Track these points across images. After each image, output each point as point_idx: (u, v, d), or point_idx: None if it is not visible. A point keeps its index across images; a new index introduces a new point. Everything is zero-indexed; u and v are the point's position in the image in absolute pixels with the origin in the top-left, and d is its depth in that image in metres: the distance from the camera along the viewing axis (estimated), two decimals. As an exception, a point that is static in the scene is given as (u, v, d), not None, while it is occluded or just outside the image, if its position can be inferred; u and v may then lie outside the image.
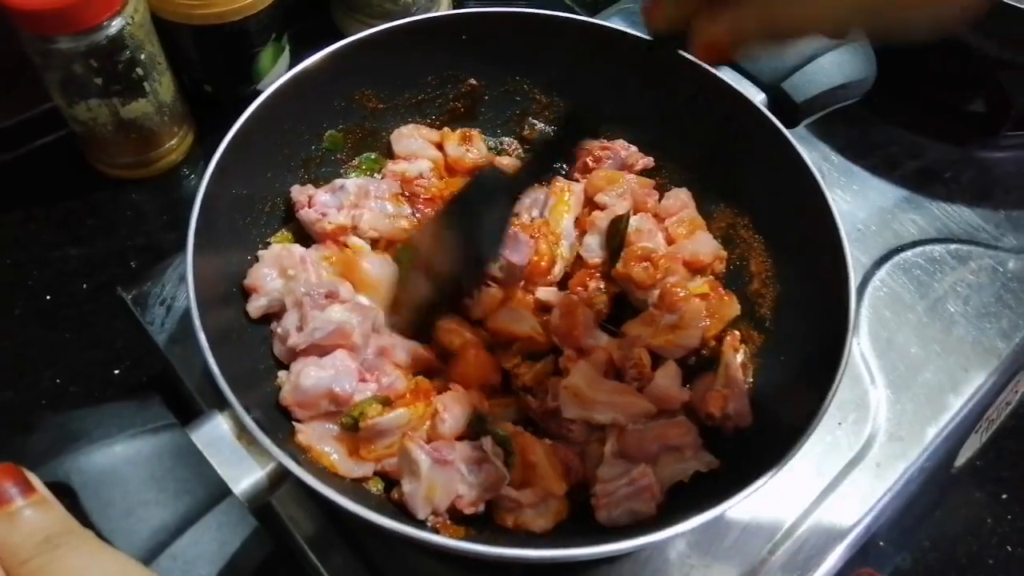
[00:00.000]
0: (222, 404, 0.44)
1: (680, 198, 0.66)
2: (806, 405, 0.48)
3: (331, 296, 0.54)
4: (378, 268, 0.58)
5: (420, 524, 0.49)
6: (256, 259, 0.58)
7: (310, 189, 0.61)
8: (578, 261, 0.64)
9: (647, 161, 0.68)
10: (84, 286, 0.69)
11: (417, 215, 0.63)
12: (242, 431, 0.44)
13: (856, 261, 0.70)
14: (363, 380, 0.53)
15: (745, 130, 0.62)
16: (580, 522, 0.52)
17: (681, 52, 0.61)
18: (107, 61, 0.63)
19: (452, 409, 0.52)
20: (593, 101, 0.70)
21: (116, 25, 0.61)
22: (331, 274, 0.57)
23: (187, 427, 0.43)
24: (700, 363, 0.60)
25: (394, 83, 0.67)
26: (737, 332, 0.59)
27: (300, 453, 0.49)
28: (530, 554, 0.44)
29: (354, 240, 0.60)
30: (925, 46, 0.80)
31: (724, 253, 0.64)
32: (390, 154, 0.69)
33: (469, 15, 0.65)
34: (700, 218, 0.65)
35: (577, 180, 0.68)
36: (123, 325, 0.64)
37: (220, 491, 0.41)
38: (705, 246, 0.63)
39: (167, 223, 0.72)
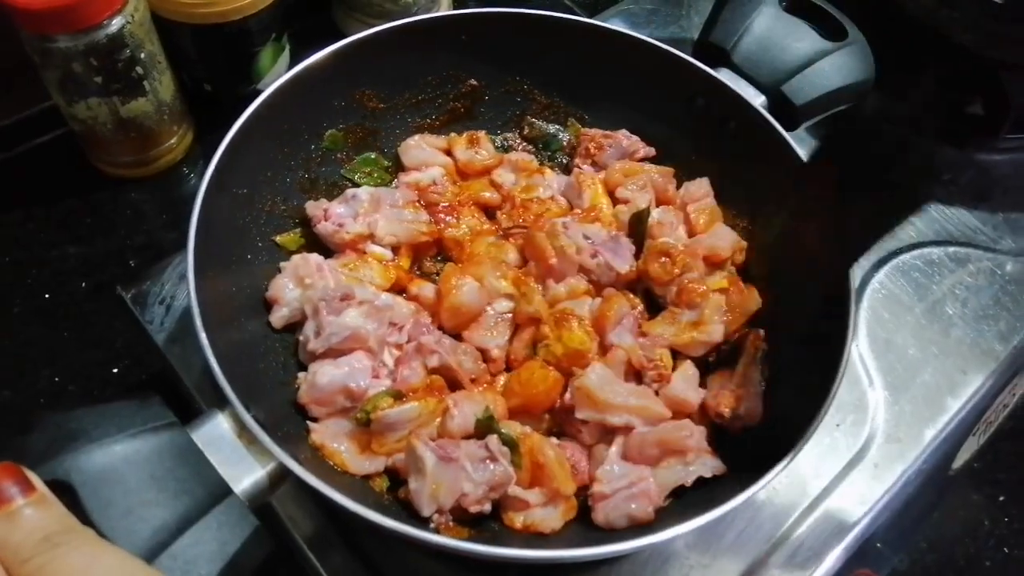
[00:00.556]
0: (222, 403, 0.44)
1: (703, 186, 0.65)
2: (806, 407, 0.48)
3: (346, 298, 0.54)
4: (472, 296, 0.57)
5: (421, 524, 0.49)
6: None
7: (324, 203, 0.62)
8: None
9: (648, 150, 0.68)
10: (83, 285, 0.69)
11: (439, 224, 0.63)
12: (242, 430, 0.44)
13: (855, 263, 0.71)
14: (376, 377, 0.53)
15: (745, 132, 0.63)
16: (579, 522, 0.52)
17: (681, 54, 0.61)
18: (107, 60, 0.63)
19: (463, 407, 0.52)
20: (593, 101, 0.71)
21: (116, 24, 0.61)
22: (349, 278, 0.57)
23: (187, 426, 0.43)
24: (719, 358, 0.59)
25: (394, 83, 0.67)
26: (761, 330, 0.57)
27: (312, 453, 0.50)
28: (530, 554, 0.44)
29: (373, 248, 0.61)
30: (924, 48, 0.80)
31: (744, 243, 0.63)
32: (396, 164, 0.68)
33: (469, 15, 0.66)
34: (719, 209, 0.65)
35: (580, 168, 0.68)
36: (122, 324, 0.64)
37: (220, 490, 0.41)
38: (723, 239, 0.62)
39: (167, 222, 0.72)
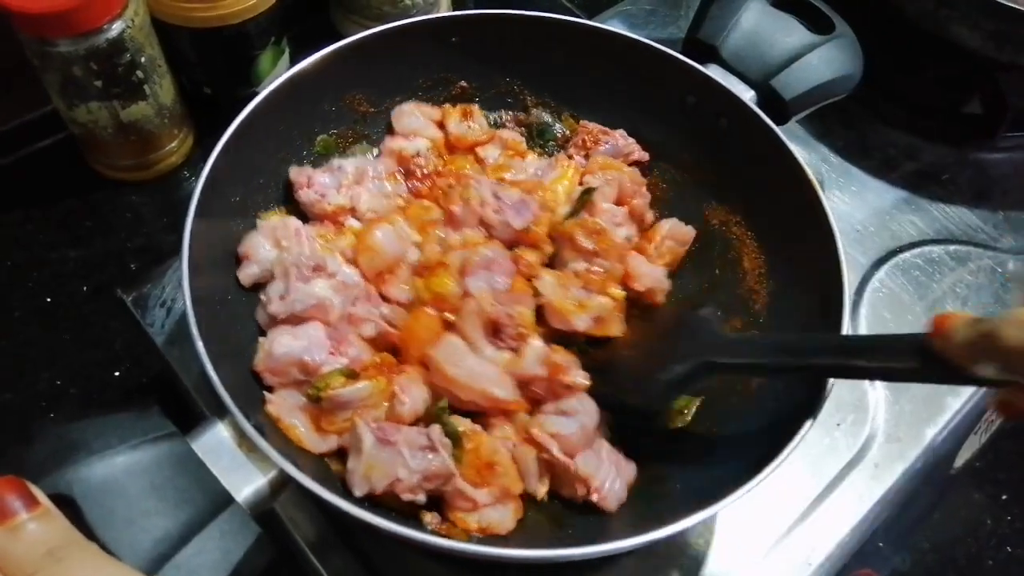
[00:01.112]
0: (221, 410, 0.44)
1: (687, 235, 0.64)
2: (803, 400, 0.48)
3: (318, 269, 0.54)
4: (388, 239, 0.58)
5: (421, 527, 0.49)
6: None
7: (308, 170, 0.62)
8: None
9: (642, 155, 0.68)
10: (83, 288, 0.69)
11: (411, 190, 0.64)
12: (242, 438, 0.44)
13: (855, 262, 0.71)
14: (333, 353, 0.53)
15: (735, 127, 0.63)
16: (579, 521, 0.52)
17: (669, 51, 0.61)
18: (107, 64, 0.63)
19: (410, 391, 0.52)
20: (584, 101, 0.71)
21: (116, 28, 0.62)
22: (324, 248, 0.57)
23: (188, 436, 0.43)
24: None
25: (385, 86, 0.67)
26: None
27: (269, 424, 0.49)
28: (530, 554, 0.44)
29: (352, 223, 0.61)
30: (922, 49, 0.81)
31: (665, 290, 0.62)
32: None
33: (460, 17, 0.65)
34: (679, 254, 0.64)
35: (571, 156, 0.68)
36: (122, 326, 0.64)
37: (222, 499, 0.41)
38: (654, 279, 0.61)
39: (167, 225, 0.72)
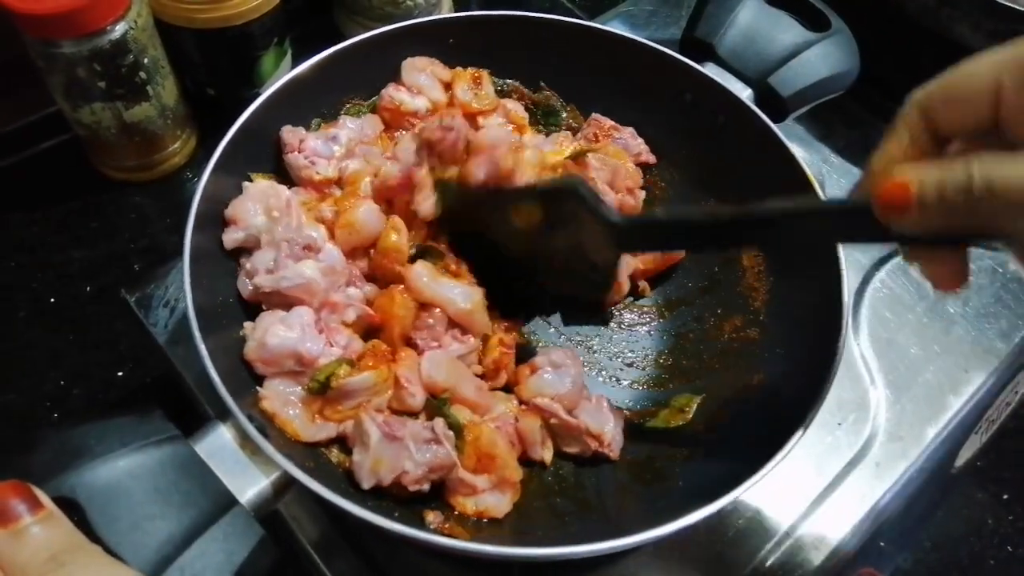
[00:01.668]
0: (223, 413, 0.44)
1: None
2: (803, 398, 0.48)
3: (309, 248, 0.54)
4: (370, 217, 0.57)
5: (424, 527, 0.49)
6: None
7: (301, 132, 0.61)
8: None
9: (650, 157, 0.68)
10: (87, 288, 0.69)
11: (391, 137, 0.64)
12: (245, 440, 0.44)
13: (856, 262, 0.71)
14: (326, 344, 0.53)
15: (733, 125, 0.63)
16: (579, 521, 0.52)
17: (666, 49, 0.61)
18: (110, 65, 0.63)
19: (416, 381, 0.53)
20: (583, 101, 0.71)
21: (120, 29, 0.62)
22: (309, 220, 0.56)
23: (190, 438, 0.43)
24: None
25: (379, 88, 0.66)
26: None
27: (268, 422, 0.49)
28: (532, 553, 0.44)
29: (337, 192, 0.60)
30: (923, 47, 0.81)
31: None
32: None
33: (461, 19, 0.66)
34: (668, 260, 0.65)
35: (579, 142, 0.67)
36: (126, 327, 0.65)
37: (225, 501, 0.41)
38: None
39: (170, 226, 0.73)
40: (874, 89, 0.73)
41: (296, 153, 0.59)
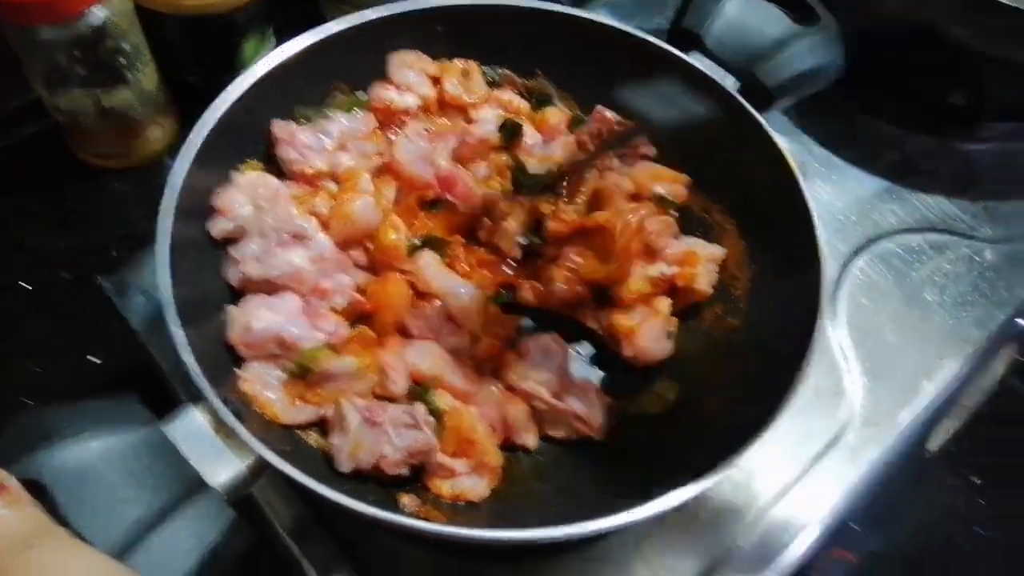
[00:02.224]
0: (197, 396, 0.44)
1: (717, 255, 0.62)
2: (781, 384, 0.48)
3: (299, 237, 0.54)
4: (366, 211, 0.57)
5: (400, 511, 0.50)
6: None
7: (292, 126, 0.60)
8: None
9: (649, 149, 0.68)
10: (65, 275, 0.69)
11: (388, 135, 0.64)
12: (219, 424, 0.43)
13: (835, 250, 0.72)
14: (315, 330, 0.53)
15: (717, 114, 0.63)
16: (565, 505, 0.52)
17: (652, 38, 0.61)
18: (90, 51, 0.63)
19: (398, 369, 0.53)
20: (569, 89, 0.71)
21: (99, 14, 0.61)
22: (299, 210, 0.57)
23: (161, 421, 0.43)
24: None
25: (367, 77, 0.66)
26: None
27: (245, 406, 0.49)
28: (506, 535, 0.44)
29: (330, 186, 0.60)
30: (907, 39, 0.81)
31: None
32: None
33: (446, 7, 0.65)
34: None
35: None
36: (104, 314, 0.64)
37: (198, 485, 0.41)
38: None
39: (149, 213, 0.70)
40: (857, 80, 0.73)
41: (286, 147, 0.59)
